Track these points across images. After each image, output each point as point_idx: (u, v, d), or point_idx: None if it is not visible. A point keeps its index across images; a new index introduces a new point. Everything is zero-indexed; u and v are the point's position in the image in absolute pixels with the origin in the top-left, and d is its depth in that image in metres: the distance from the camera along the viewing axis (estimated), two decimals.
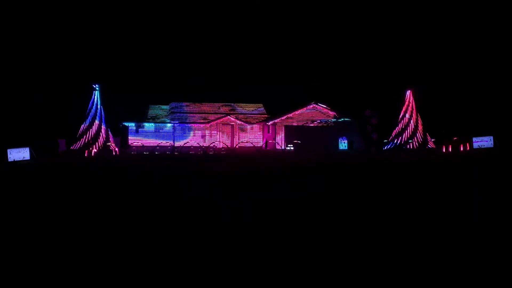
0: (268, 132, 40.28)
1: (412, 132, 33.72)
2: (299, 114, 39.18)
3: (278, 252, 5.27)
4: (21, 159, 25.29)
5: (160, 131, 39.32)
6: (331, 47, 58.69)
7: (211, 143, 36.90)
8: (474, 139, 31.43)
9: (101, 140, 32.18)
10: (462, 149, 30.52)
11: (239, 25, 63.22)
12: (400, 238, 6.05)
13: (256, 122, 40.76)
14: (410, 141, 33.38)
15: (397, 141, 34.00)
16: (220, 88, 51.47)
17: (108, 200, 9.63)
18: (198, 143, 36.54)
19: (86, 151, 30.48)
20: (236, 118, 39.76)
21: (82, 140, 31.51)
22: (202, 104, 42.66)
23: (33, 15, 51.70)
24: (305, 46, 60.79)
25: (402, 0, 58.36)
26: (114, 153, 32.00)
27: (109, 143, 32.60)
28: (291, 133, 37.62)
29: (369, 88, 46.85)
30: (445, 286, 4.30)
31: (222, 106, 42.68)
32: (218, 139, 38.32)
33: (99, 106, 32.69)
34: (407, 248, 5.55)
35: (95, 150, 31.03)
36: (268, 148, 38.39)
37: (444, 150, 30.66)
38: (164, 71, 55.97)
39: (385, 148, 34.34)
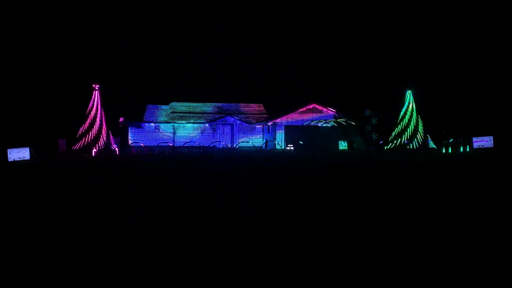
0: (268, 132, 40.28)
1: (412, 132, 33.69)
2: (299, 114, 39.18)
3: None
4: (21, 159, 25.28)
5: (160, 131, 39.35)
6: (331, 47, 58.69)
7: (211, 143, 36.93)
8: (474, 139, 31.41)
9: (101, 140, 32.16)
10: (462, 150, 30.50)
11: (239, 25, 63.22)
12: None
13: (256, 122, 40.76)
14: (410, 141, 33.33)
15: (397, 141, 33.97)
16: (220, 88, 51.53)
17: (107, 198, 9.63)
18: (198, 143, 36.55)
19: (87, 151, 30.45)
20: (236, 118, 39.77)
21: (82, 140, 31.49)
22: (202, 104, 42.68)
23: (33, 15, 51.71)
24: (306, 46, 60.80)
25: (402, 0, 58.37)
26: (114, 153, 31.97)
27: (109, 143, 32.58)
28: (291, 133, 37.67)
29: (369, 88, 46.86)
30: (445, 286, 4.30)
31: (222, 106, 42.70)
32: (218, 139, 38.32)
33: (99, 106, 32.66)
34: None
35: (95, 150, 31.00)
36: (268, 148, 38.41)
37: (444, 151, 30.65)
38: (164, 71, 55.97)
39: (385, 148, 34.31)
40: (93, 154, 30.21)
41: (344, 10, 62.63)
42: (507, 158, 20.95)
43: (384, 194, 10.13)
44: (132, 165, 20.44)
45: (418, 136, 33.63)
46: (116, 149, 33.04)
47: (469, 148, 30.75)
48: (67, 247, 5.68)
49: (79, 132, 31.98)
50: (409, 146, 33.21)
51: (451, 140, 31.31)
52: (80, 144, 31.33)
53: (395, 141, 34.09)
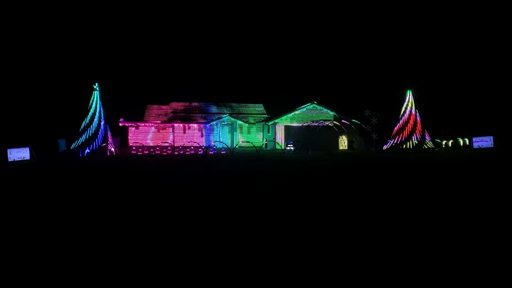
0: (268, 132, 40.28)
1: (411, 131, 33.68)
2: (299, 114, 39.18)
3: None
4: (21, 159, 25.29)
5: (160, 131, 39.35)
6: (331, 47, 58.68)
7: (211, 143, 36.93)
8: (474, 139, 31.41)
9: (101, 140, 32.14)
10: (462, 149, 30.51)
11: (239, 25, 63.23)
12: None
13: (256, 122, 40.76)
14: (409, 141, 33.33)
15: (396, 141, 33.97)
16: (220, 88, 51.57)
17: (106, 198, 9.63)
18: (198, 143, 36.57)
19: (86, 151, 30.45)
20: (236, 118, 39.76)
21: (82, 140, 31.46)
22: (202, 104, 42.70)
23: (33, 15, 51.72)
24: (306, 46, 60.79)
25: (402, 0, 58.38)
26: (114, 153, 31.96)
27: (109, 143, 32.58)
28: (291, 133, 37.66)
29: (369, 88, 46.89)
30: (446, 285, 4.30)
31: (222, 106, 42.71)
32: (218, 139, 38.33)
33: (99, 106, 32.64)
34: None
35: (95, 150, 30.98)
36: (268, 148, 38.41)
37: (443, 150, 30.66)
38: (164, 71, 56.01)
39: (385, 147, 34.32)
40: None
41: (344, 10, 62.65)
42: (507, 158, 20.95)
43: (384, 194, 10.13)
44: (131, 166, 20.44)
45: (418, 136, 33.63)
46: (115, 148, 32.97)
47: (468, 148, 30.77)
48: (68, 246, 5.68)
49: (79, 132, 31.93)
50: (409, 146, 33.21)
51: (448, 141, 31.30)
52: (80, 144, 31.30)
53: (394, 141, 34.09)
